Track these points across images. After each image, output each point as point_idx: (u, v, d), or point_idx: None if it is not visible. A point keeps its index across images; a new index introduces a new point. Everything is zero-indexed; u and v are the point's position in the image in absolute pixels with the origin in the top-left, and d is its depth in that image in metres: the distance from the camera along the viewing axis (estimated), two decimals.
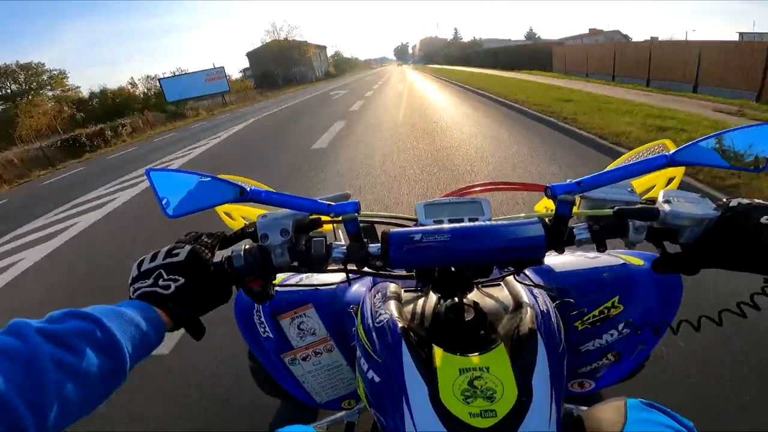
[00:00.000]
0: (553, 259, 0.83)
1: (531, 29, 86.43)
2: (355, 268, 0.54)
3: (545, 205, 0.83)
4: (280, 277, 0.87)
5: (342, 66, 76.73)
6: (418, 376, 0.49)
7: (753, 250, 0.42)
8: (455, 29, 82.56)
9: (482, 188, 0.71)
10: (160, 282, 0.46)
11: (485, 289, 0.63)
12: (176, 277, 0.46)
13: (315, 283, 0.83)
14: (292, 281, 0.85)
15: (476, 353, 0.50)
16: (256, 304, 0.82)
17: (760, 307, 0.45)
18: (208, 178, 0.48)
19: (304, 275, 0.87)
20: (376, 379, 0.55)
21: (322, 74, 57.66)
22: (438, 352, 0.51)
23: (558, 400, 0.50)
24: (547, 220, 0.49)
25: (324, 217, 0.54)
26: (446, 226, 0.49)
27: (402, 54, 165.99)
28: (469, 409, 0.46)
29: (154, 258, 0.48)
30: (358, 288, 0.85)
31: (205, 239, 0.53)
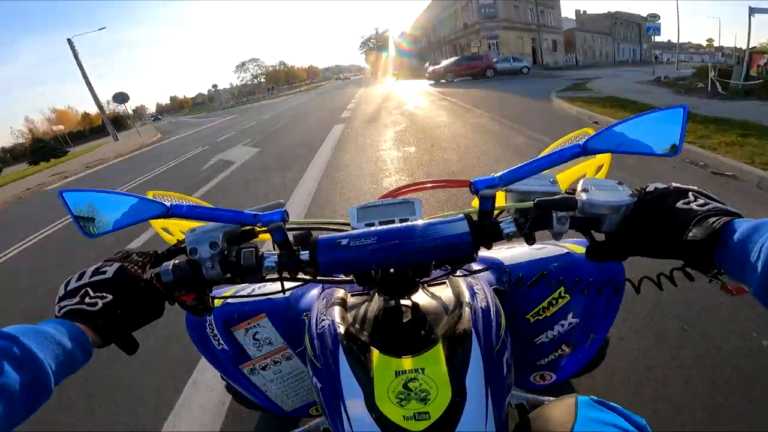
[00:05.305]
0: (501, 253, 0.84)
1: None
2: (292, 276, 0.54)
3: None
4: (232, 289, 0.86)
5: None
6: (354, 380, 0.49)
7: (669, 235, 0.41)
8: None
9: (413, 188, 0.71)
10: (87, 300, 0.45)
11: (430, 289, 0.64)
12: (103, 294, 0.46)
13: (267, 291, 0.82)
14: (245, 292, 0.84)
15: (412, 355, 0.50)
16: (208, 318, 0.80)
17: (676, 283, 0.45)
18: (127, 197, 0.47)
19: (256, 286, 0.86)
20: (319, 385, 0.55)
21: None
22: (375, 356, 0.51)
23: (497, 399, 0.50)
24: (474, 216, 0.49)
25: (257, 228, 0.53)
26: (373, 228, 0.49)
27: (377, 55, 67.52)
28: (403, 412, 0.46)
29: (80, 277, 0.48)
30: (313, 293, 0.84)
31: (136, 257, 0.52)
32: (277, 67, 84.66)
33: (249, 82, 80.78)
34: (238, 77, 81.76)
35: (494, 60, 21.90)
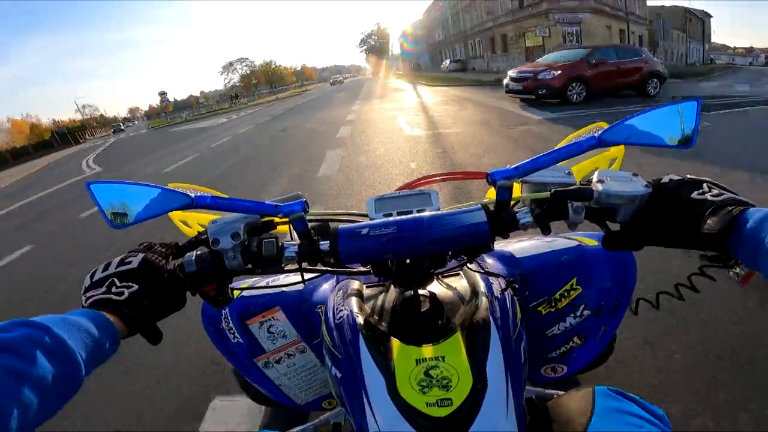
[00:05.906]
0: (513, 245, 0.85)
1: None
2: (311, 267, 0.55)
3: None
4: (248, 281, 0.87)
5: None
6: (375, 368, 0.50)
7: (684, 225, 0.42)
8: None
9: (429, 180, 0.73)
10: (114, 289, 0.46)
11: (445, 280, 0.65)
12: (130, 283, 0.46)
13: (283, 283, 0.83)
14: (261, 284, 0.85)
15: (432, 343, 0.51)
16: (223, 311, 0.81)
17: (698, 289, 0.46)
18: (151, 188, 0.48)
19: (271, 278, 0.87)
20: (339, 375, 0.56)
21: None
22: (395, 345, 0.52)
23: (517, 387, 0.51)
24: (491, 206, 0.50)
25: (277, 219, 0.54)
26: (392, 219, 0.49)
27: (379, 54, 65.79)
28: (426, 399, 0.47)
29: (106, 267, 0.48)
30: (326, 287, 0.85)
31: (159, 248, 0.53)
32: (259, 68, 71.31)
33: (238, 84, 70.42)
34: (226, 79, 72.44)
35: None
